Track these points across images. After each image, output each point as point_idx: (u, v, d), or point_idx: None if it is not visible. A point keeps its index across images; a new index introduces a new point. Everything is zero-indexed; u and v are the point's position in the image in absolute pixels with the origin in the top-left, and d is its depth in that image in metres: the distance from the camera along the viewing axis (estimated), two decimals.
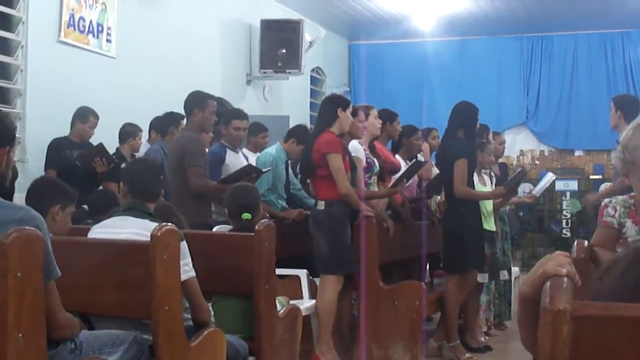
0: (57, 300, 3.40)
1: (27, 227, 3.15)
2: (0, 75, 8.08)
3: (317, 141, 6.60)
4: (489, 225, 7.85)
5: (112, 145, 8.35)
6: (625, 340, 1.43)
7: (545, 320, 1.43)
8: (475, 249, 7.42)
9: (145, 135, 8.88)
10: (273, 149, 7.96)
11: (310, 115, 13.61)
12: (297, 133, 8.02)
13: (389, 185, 7.33)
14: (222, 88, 11.40)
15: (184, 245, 4.27)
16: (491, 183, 8.33)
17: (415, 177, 8.01)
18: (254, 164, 7.78)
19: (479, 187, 7.76)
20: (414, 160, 8.22)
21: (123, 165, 8.09)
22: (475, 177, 7.71)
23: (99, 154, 7.76)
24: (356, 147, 7.08)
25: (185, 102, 7.18)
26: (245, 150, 8.32)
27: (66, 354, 3.55)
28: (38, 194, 4.50)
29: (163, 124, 8.48)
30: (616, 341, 1.43)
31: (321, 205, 6.64)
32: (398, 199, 7.60)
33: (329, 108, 6.78)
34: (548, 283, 1.47)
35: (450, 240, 7.46)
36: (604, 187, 13.31)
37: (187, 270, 4.29)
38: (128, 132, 8.49)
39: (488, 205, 7.88)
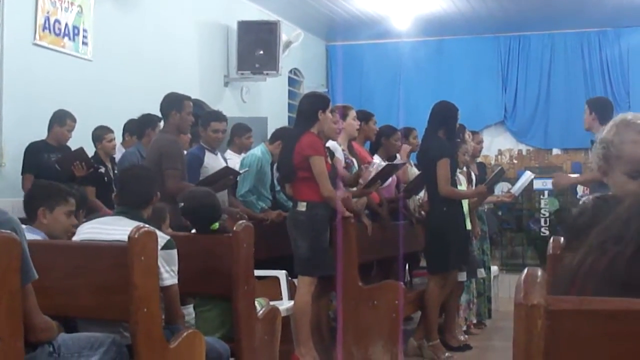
0: (35, 303, 3.39)
1: (2, 230, 3.14)
2: None
3: (299, 144, 6.57)
4: (466, 224, 7.87)
5: (89, 148, 8.31)
6: (601, 335, 1.44)
7: (519, 315, 1.43)
8: (459, 249, 7.45)
9: (120, 138, 8.83)
10: (258, 150, 7.96)
11: (289, 117, 13.58)
12: (283, 135, 8.01)
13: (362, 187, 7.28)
14: (199, 90, 11.37)
15: (174, 252, 4.42)
16: (470, 182, 8.36)
17: (394, 178, 8.01)
18: (237, 166, 7.78)
19: None
20: (391, 161, 8.23)
21: (101, 168, 8.08)
22: None
23: (78, 158, 7.72)
24: (335, 147, 7.08)
25: (162, 104, 7.17)
26: (229, 152, 8.32)
27: (44, 358, 3.54)
28: (27, 201, 4.74)
29: (139, 127, 8.45)
30: (591, 335, 1.44)
31: (302, 206, 6.62)
32: (375, 199, 7.60)
33: (308, 109, 6.74)
34: (522, 277, 1.47)
35: (434, 240, 7.49)
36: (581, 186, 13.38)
37: (173, 276, 4.38)
38: (96, 136, 8.42)
39: (465, 205, 7.91)
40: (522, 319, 1.43)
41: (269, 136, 8.65)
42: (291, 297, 6.77)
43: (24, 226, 4.54)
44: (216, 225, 5.30)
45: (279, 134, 8.12)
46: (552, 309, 1.43)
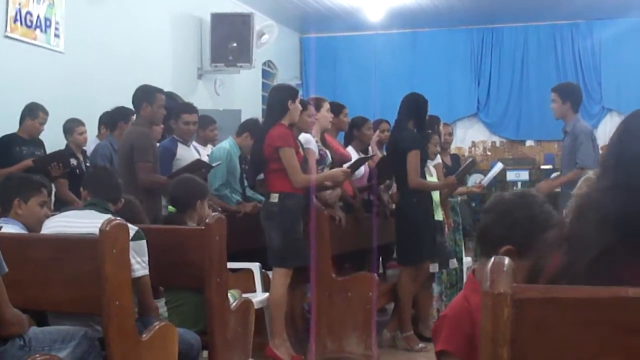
0: (5, 297, 3.37)
1: None
2: None
3: (268, 135, 6.56)
4: (437, 215, 7.89)
5: (60, 140, 8.28)
6: (565, 322, 1.45)
7: (486, 304, 1.44)
8: (429, 240, 7.46)
9: (93, 130, 8.76)
10: (227, 143, 7.92)
11: (263, 109, 13.54)
12: (250, 127, 7.98)
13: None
14: (172, 82, 11.34)
15: (143, 243, 4.42)
16: (444, 174, 8.36)
17: (367, 169, 8.03)
18: (204, 157, 7.75)
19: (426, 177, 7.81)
20: (365, 151, 8.25)
21: (72, 160, 8.03)
22: None
23: (56, 160, 7.67)
24: (308, 139, 7.07)
25: (134, 97, 7.13)
26: (195, 143, 8.28)
27: (15, 351, 3.52)
28: (1, 193, 4.80)
29: (112, 119, 8.42)
30: (556, 323, 1.45)
31: (274, 198, 6.61)
32: (349, 191, 7.60)
33: (278, 100, 6.74)
34: (488, 266, 1.48)
35: (404, 232, 7.49)
36: (555, 175, 13.46)
37: (143, 267, 4.37)
38: (67, 128, 8.39)
39: (436, 196, 7.92)
40: (488, 307, 1.44)
41: None
42: (265, 289, 6.77)
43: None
44: (171, 208, 5.46)
45: (245, 126, 8.07)
46: (518, 297, 1.44)
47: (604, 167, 1.90)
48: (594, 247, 1.66)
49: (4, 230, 4.38)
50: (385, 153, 8.35)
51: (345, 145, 8.16)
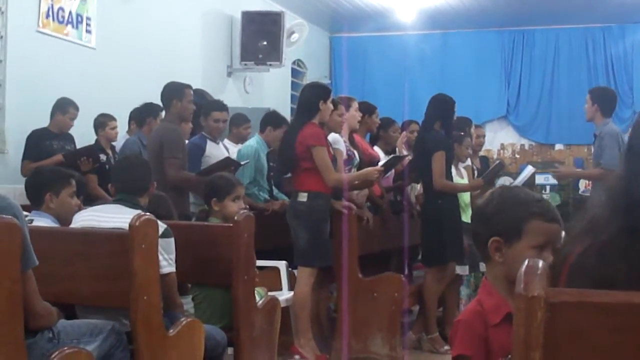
0: (35, 289, 3.39)
1: (4, 216, 3.13)
2: None
3: (301, 134, 6.55)
4: (467, 217, 7.86)
5: (90, 135, 8.32)
6: (600, 327, 1.44)
7: (519, 306, 1.43)
8: (454, 241, 7.43)
9: (122, 125, 8.78)
10: (254, 141, 7.92)
11: (291, 108, 13.54)
12: (270, 119, 7.99)
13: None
14: (202, 80, 11.36)
15: (171, 241, 4.43)
16: (473, 176, 8.34)
17: (393, 170, 8.01)
18: (234, 155, 7.76)
19: (456, 179, 7.78)
20: (393, 153, 8.23)
21: (102, 156, 8.07)
22: (453, 170, 7.72)
23: (87, 154, 7.71)
24: (337, 139, 7.06)
25: (163, 93, 7.16)
26: (226, 141, 8.29)
27: (44, 343, 3.54)
28: (31, 187, 4.85)
29: (141, 115, 8.45)
30: (590, 328, 1.44)
31: (303, 197, 6.60)
32: (376, 191, 7.59)
33: (310, 99, 6.72)
34: (522, 269, 1.47)
35: (429, 233, 7.47)
36: (583, 182, 13.39)
37: (170, 264, 4.39)
38: (99, 123, 8.42)
39: (465, 198, 7.90)
40: (521, 311, 1.43)
41: None
42: (291, 287, 6.76)
43: (28, 212, 4.58)
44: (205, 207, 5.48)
45: (265, 121, 8.04)
46: (552, 301, 1.43)
47: (622, 158, 1.93)
48: (603, 234, 1.67)
49: (35, 223, 4.40)
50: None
51: (371, 145, 8.15)
